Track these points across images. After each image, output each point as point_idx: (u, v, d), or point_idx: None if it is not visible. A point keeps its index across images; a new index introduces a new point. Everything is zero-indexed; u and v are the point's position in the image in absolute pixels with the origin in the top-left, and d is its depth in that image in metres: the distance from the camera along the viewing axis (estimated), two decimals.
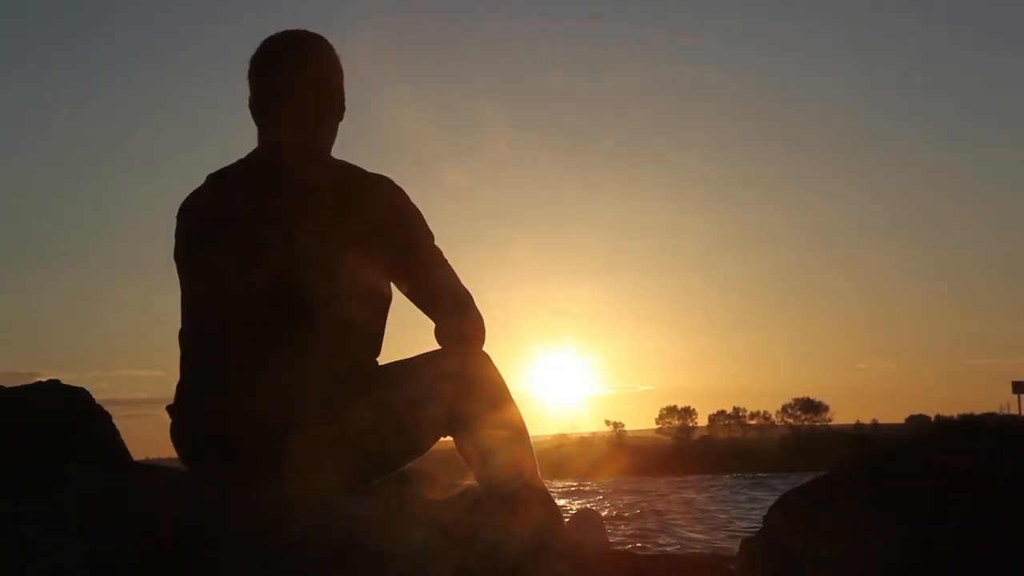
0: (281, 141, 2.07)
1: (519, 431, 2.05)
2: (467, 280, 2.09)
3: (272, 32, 2.15)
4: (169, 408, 2.03)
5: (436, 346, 2.08)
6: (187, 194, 2.11)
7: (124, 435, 2.26)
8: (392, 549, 1.86)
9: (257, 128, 2.12)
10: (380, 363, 2.05)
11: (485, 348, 2.09)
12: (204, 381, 1.96)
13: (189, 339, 2.03)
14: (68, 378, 2.27)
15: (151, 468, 2.11)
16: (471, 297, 2.08)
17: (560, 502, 2.17)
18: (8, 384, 2.24)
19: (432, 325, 2.09)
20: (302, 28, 2.16)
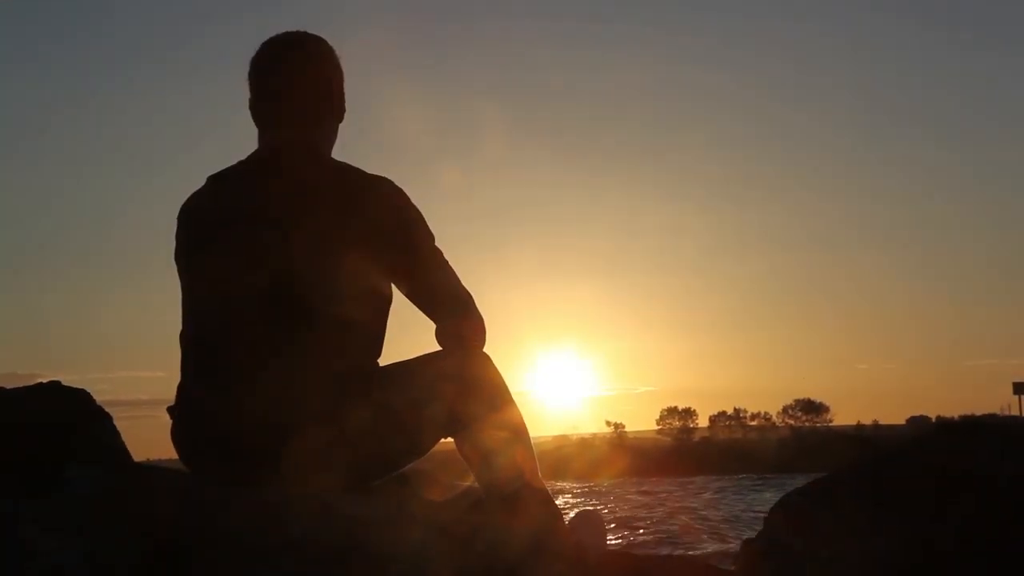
0: (281, 142, 2.07)
1: (519, 432, 2.04)
2: (467, 281, 2.09)
3: (272, 33, 2.15)
4: (169, 409, 2.03)
5: (436, 347, 2.08)
6: (187, 195, 2.11)
7: (125, 436, 2.27)
8: (392, 550, 1.86)
9: (257, 129, 2.12)
10: (381, 364, 2.05)
11: (485, 349, 2.08)
12: (205, 382, 1.96)
13: (190, 340, 2.03)
14: (69, 379, 2.29)
15: (151, 469, 2.12)
16: (471, 298, 2.08)
17: (560, 503, 2.16)
18: (9, 385, 2.25)
19: (432, 326, 2.09)
20: (302, 29, 2.16)
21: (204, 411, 1.94)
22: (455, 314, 2.06)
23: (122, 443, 2.24)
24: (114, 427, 2.26)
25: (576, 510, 2.39)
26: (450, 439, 2.05)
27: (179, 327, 2.06)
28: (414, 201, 2.06)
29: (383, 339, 2.07)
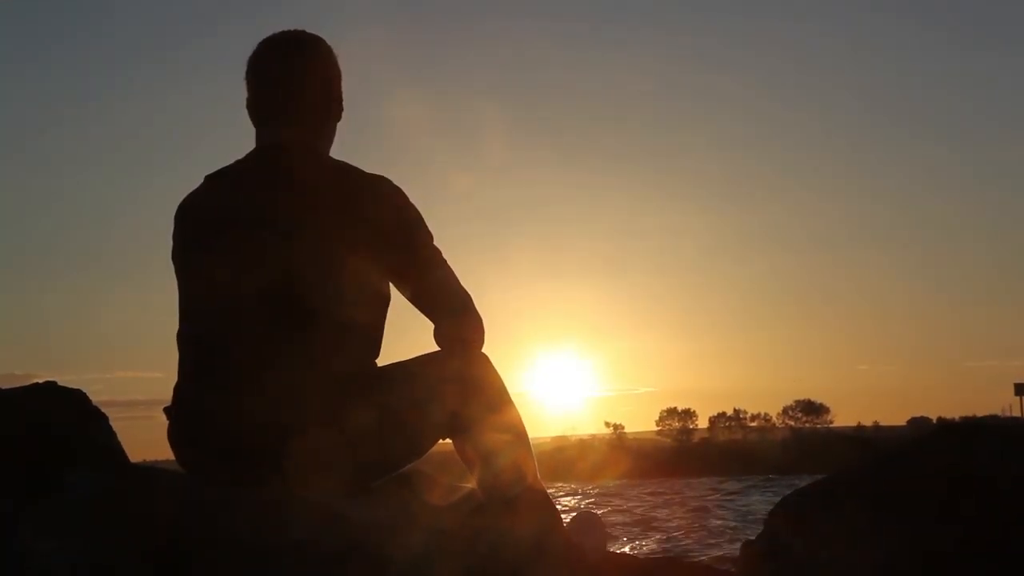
0: (279, 141, 2.06)
1: (519, 433, 2.04)
2: (466, 281, 2.08)
3: (272, 32, 2.14)
4: (166, 410, 2.02)
5: (435, 347, 2.07)
6: (185, 195, 2.10)
7: (120, 437, 2.26)
8: (392, 552, 1.86)
9: (255, 128, 2.11)
10: (379, 364, 2.04)
11: (485, 350, 2.07)
12: (204, 382, 1.95)
13: (188, 340, 2.02)
14: (65, 379, 2.28)
15: (151, 470, 2.11)
16: (471, 298, 2.07)
17: (559, 505, 2.17)
18: (5, 386, 2.25)
19: (431, 326, 2.08)
20: (300, 28, 2.15)
21: (204, 411, 1.93)
22: (454, 314, 2.05)
23: (119, 444, 2.24)
24: (111, 428, 2.26)
25: (575, 512, 2.39)
26: (448, 441, 2.04)
27: (175, 327, 2.05)
28: (413, 201, 2.06)
29: (381, 340, 2.06)
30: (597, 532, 2.25)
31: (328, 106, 2.13)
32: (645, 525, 8.66)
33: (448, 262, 2.07)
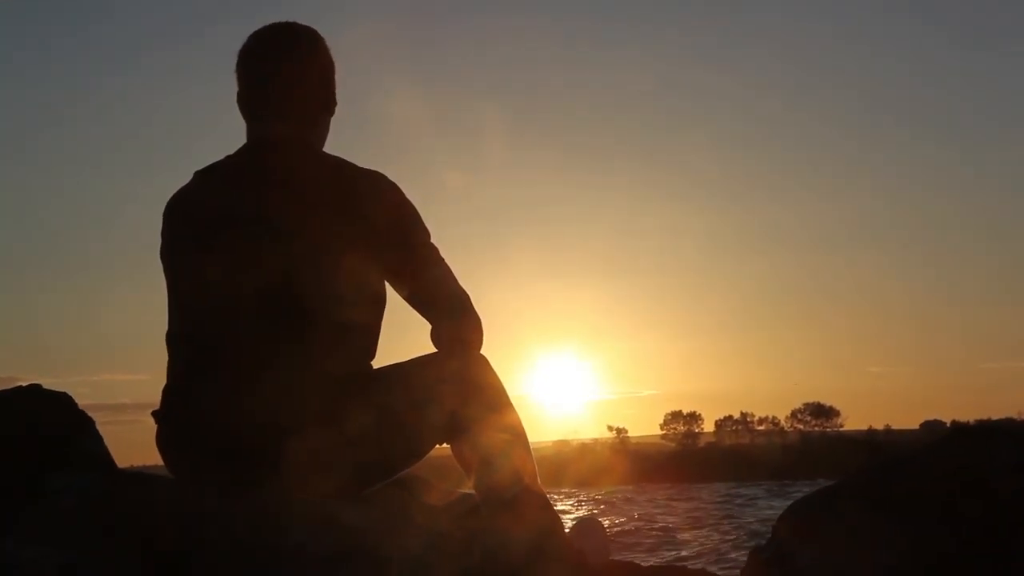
0: (271, 136, 2.03)
1: (518, 434, 2.01)
2: (466, 281, 2.06)
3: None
4: (155, 413, 1.99)
5: (433, 348, 2.04)
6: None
7: (106, 442, 2.23)
8: (391, 555, 1.86)
9: (245, 122, 2.08)
10: (376, 365, 2.02)
11: (483, 351, 2.05)
12: (198, 382, 1.93)
13: (180, 340, 1.99)
14: (49, 383, 2.26)
15: (141, 475, 2.09)
16: (469, 298, 2.05)
17: (560, 510, 2.14)
18: None
19: (428, 327, 2.04)
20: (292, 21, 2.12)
21: (198, 411, 1.91)
22: (452, 315, 2.03)
23: (106, 448, 2.22)
24: (97, 432, 2.25)
25: (577, 518, 2.36)
26: (447, 446, 2.02)
27: (163, 329, 2.02)
28: (410, 199, 2.03)
29: (377, 342, 2.04)
30: (599, 538, 2.25)
31: (321, 99, 2.09)
32: (648, 532, 8.64)
33: (445, 260, 2.04)
